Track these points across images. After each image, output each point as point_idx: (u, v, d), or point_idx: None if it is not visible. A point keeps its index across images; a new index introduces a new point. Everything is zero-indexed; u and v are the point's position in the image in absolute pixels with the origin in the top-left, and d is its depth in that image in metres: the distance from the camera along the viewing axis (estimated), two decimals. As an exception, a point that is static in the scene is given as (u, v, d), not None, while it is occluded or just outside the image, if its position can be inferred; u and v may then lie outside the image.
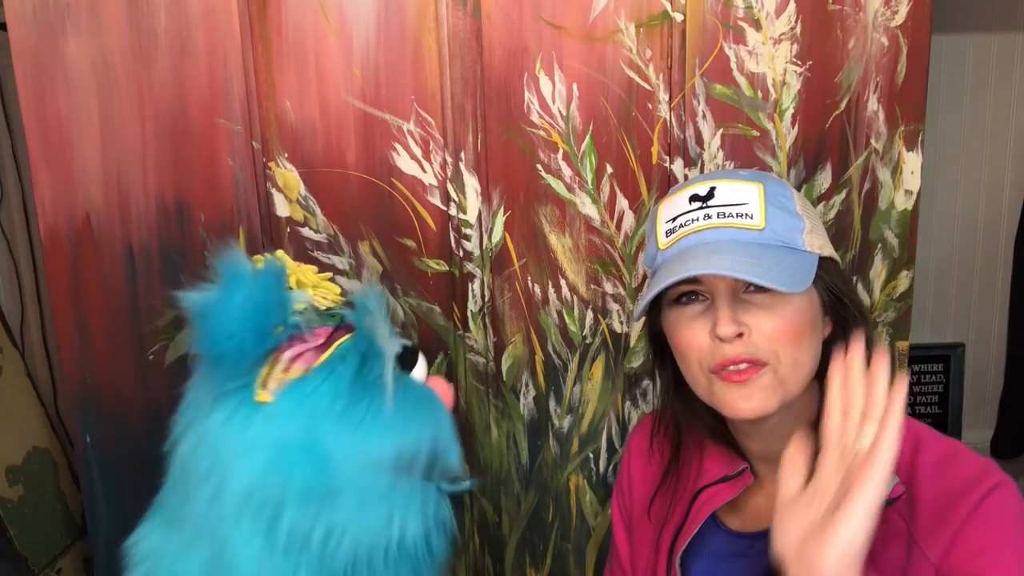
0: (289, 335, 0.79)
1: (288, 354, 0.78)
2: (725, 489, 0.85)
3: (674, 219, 0.80)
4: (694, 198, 0.80)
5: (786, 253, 0.77)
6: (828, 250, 0.81)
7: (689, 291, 0.79)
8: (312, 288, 0.85)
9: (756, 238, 0.77)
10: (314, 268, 0.89)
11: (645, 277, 1.18)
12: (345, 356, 0.79)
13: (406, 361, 0.86)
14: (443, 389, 0.87)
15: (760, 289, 0.76)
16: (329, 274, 0.92)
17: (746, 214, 0.77)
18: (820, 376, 0.83)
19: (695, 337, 0.78)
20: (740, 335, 0.75)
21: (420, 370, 0.87)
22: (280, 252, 0.88)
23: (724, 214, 0.77)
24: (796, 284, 0.74)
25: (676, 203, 0.81)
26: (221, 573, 0.75)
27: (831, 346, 0.82)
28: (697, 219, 0.78)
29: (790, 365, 0.76)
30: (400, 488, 0.79)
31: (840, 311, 0.81)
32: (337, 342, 0.81)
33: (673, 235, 0.80)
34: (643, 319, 0.91)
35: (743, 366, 0.76)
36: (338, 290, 0.88)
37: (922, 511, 0.75)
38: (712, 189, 0.79)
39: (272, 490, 0.74)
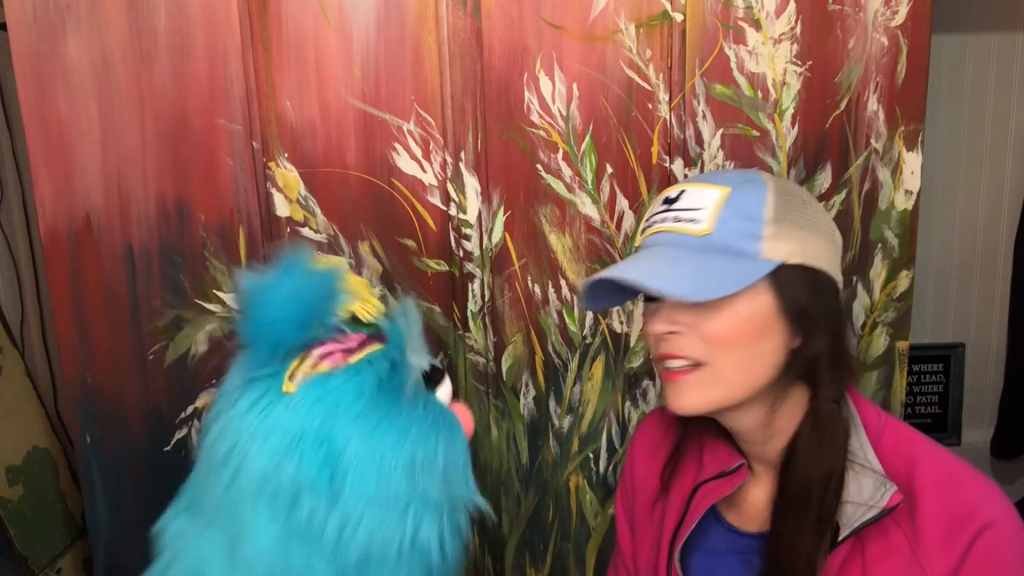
0: (325, 335, 0.81)
1: (318, 351, 0.80)
2: (722, 484, 0.85)
3: (649, 218, 0.82)
4: (666, 200, 0.81)
5: (724, 259, 0.76)
6: (798, 258, 0.77)
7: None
8: (360, 300, 0.86)
9: (697, 243, 0.77)
10: (367, 282, 0.90)
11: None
12: (373, 363, 0.81)
13: (433, 380, 0.87)
14: (464, 415, 0.88)
15: None
16: (378, 290, 0.93)
17: (695, 219, 0.78)
18: (808, 381, 0.82)
19: (648, 330, 0.81)
20: (674, 332, 0.77)
21: (445, 392, 0.88)
22: (338, 259, 0.89)
23: (679, 218, 0.79)
24: (721, 288, 0.73)
25: (654, 204, 0.84)
26: (240, 557, 0.76)
27: (801, 353, 0.80)
28: (664, 220, 0.80)
29: (731, 367, 0.77)
30: (417, 487, 0.80)
31: (803, 320, 0.78)
32: (368, 348, 0.82)
33: (643, 233, 0.83)
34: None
35: (677, 363, 0.78)
36: (382, 308, 0.89)
37: (926, 528, 0.75)
38: (681, 192, 0.80)
39: (285, 476, 0.75)
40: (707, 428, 0.90)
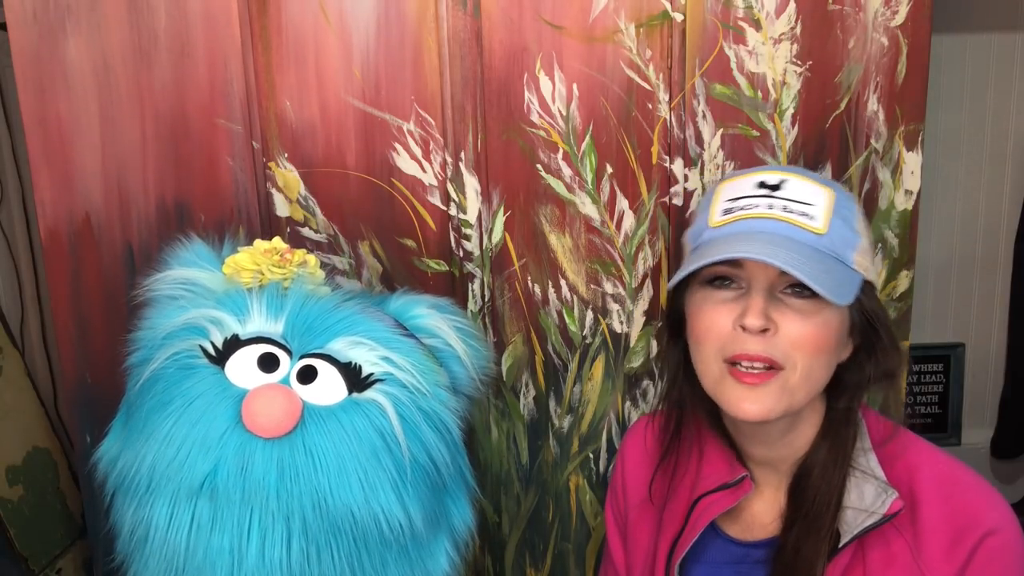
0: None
1: None
2: (724, 497, 0.84)
3: (735, 200, 0.78)
4: (762, 185, 0.77)
5: (835, 264, 0.75)
6: (872, 275, 0.79)
7: (726, 275, 0.77)
8: (253, 267, 0.85)
9: (813, 241, 0.75)
10: (270, 244, 0.90)
11: (646, 276, 1.18)
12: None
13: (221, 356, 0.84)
14: (257, 402, 0.80)
15: (797, 293, 0.75)
16: (276, 243, 0.92)
17: (810, 215, 0.75)
18: (827, 393, 0.82)
19: (718, 322, 0.77)
20: (765, 331, 0.74)
21: (238, 363, 0.83)
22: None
23: (788, 209, 0.75)
24: (841, 295, 0.72)
25: (740, 185, 0.79)
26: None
27: (844, 368, 0.80)
28: (759, 206, 0.76)
29: (803, 374, 0.75)
30: (413, 551, 0.80)
31: (870, 336, 0.79)
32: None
33: (730, 215, 0.78)
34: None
35: (758, 366, 0.74)
36: (301, 255, 0.89)
37: (928, 536, 0.74)
38: (783, 181, 0.77)
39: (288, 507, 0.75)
40: (703, 435, 0.89)
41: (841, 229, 0.76)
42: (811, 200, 0.76)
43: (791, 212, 0.75)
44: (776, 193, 0.76)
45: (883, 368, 0.80)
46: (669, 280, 0.83)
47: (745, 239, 0.74)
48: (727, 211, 0.78)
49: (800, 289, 0.74)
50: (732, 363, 0.76)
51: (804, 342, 0.74)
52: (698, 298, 0.80)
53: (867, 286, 0.78)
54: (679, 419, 0.90)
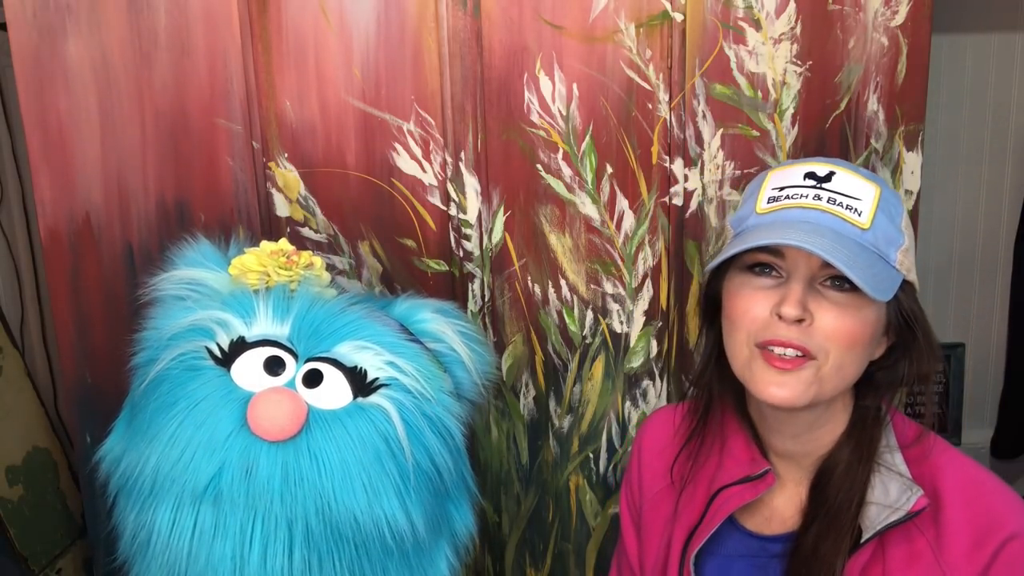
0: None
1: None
2: (745, 490, 0.84)
3: (781, 189, 0.79)
4: (810, 175, 0.78)
5: (877, 261, 0.75)
6: (913, 275, 0.79)
7: (767, 262, 0.78)
8: (259, 268, 0.85)
9: (857, 236, 0.75)
10: (277, 245, 0.90)
11: (646, 276, 1.18)
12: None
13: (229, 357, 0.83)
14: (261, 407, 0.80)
15: (837, 286, 0.75)
16: (283, 244, 0.92)
17: (856, 209, 0.76)
18: (857, 390, 0.82)
19: (754, 308, 0.77)
20: (801, 321, 0.74)
21: (244, 366, 0.82)
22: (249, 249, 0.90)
23: (835, 201, 0.76)
24: (881, 291, 0.73)
25: (788, 175, 0.80)
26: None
27: (877, 366, 0.81)
28: (806, 196, 0.77)
29: (835, 367, 0.75)
30: (415, 556, 0.80)
31: (906, 337, 0.80)
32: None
33: (775, 203, 0.78)
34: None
35: (789, 352, 0.75)
36: (307, 257, 0.89)
37: (951, 536, 0.74)
38: (831, 173, 0.78)
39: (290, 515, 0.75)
40: (727, 427, 0.89)
41: (886, 226, 0.76)
42: (858, 195, 0.76)
43: (837, 205, 0.76)
44: (824, 185, 0.77)
45: (916, 370, 0.80)
46: (707, 264, 0.83)
47: (789, 227, 0.75)
48: (773, 199, 0.79)
49: (840, 282, 0.75)
50: (763, 348, 0.76)
51: (839, 335, 0.74)
52: (736, 283, 0.80)
53: (907, 286, 0.78)
54: (708, 403, 0.90)
